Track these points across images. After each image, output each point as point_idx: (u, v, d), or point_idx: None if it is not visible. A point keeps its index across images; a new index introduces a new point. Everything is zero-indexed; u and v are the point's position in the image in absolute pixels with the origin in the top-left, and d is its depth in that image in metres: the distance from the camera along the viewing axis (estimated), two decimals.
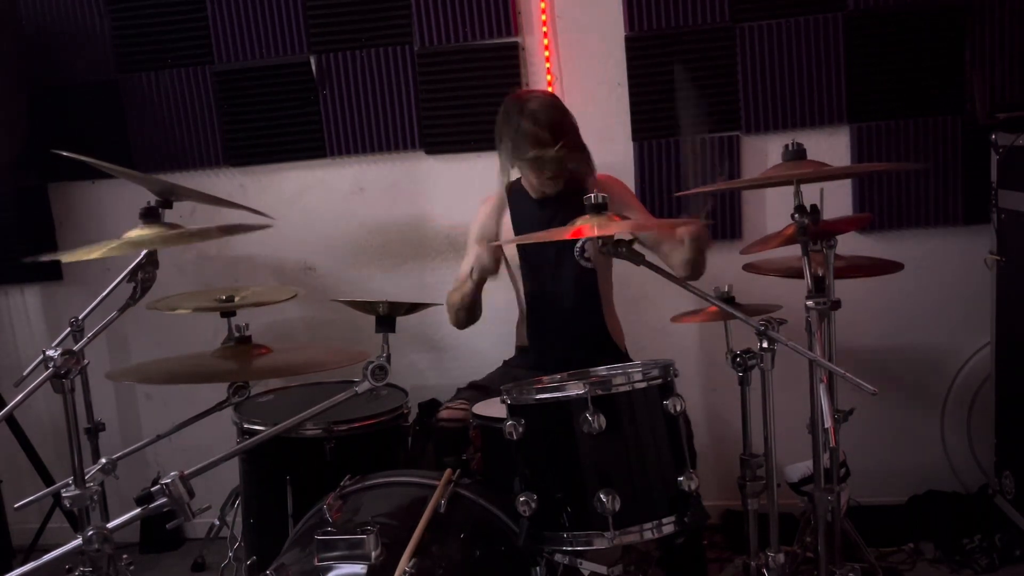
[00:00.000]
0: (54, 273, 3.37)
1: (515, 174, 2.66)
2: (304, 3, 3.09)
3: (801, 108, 2.94)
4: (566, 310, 2.61)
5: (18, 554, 3.19)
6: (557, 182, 2.53)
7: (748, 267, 2.54)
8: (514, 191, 2.71)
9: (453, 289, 2.66)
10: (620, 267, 2.62)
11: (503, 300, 2.88)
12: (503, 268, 2.73)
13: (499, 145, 2.56)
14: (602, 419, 1.68)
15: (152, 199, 1.91)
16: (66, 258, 1.91)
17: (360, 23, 3.09)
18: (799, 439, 2.12)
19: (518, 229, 2.66)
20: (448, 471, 1.94)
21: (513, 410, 1.80)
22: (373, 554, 1.56)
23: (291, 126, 3.18)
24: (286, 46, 3.13)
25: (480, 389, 2.44)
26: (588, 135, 3.04)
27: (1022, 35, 2.82)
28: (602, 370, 2.05)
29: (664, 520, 1.72)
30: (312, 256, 3.26)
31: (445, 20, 3.03)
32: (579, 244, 2.59)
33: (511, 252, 2.72)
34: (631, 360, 2.67)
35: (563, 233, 2.04)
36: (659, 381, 1.78)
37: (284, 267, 3.27)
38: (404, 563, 1.57)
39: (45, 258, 2.07)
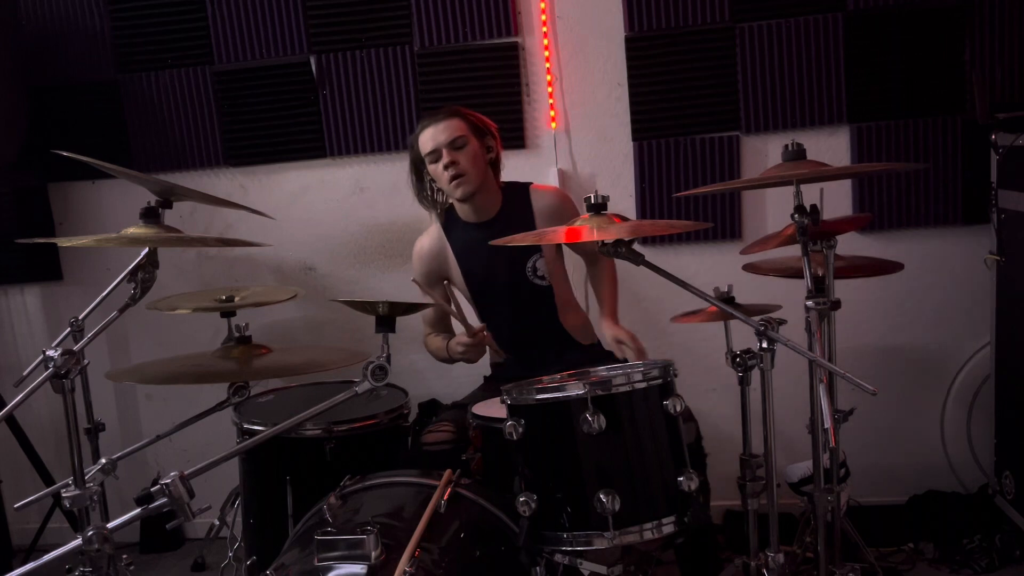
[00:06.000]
0: (54, 273, 3.38)
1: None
2: (304, 3, 3.09)
3: (801, 108, 2.94)
4: (524, 331, 2.56)
5: (18, 554, 3.19)
6: (465, 182, 2.43)
7: (748, 267, 2.54)
8: (448, 222, 2.62)
9: (430, 347, 2.69)
10: (621, 268, 2.63)
11: None
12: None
13: (410, 171, 2.59)
14: (602, 419, 1.68)
15: (152, 199, 1.91)
16: (62, 242, 1.92)
17: (360, 23, 3.09)
18: (799, 439, 2.12)
19: (461, 258, 2.59)
20: (448, 471, 1.94)
21: (513, 410, 1.80)
22: (373, 554, 1.56)
23: (291, 126, 3.18)
24: (286, 46, 3.13)
25: (462, 408, 2.35)
26: (588, 135, 3.07)
27: (1022, 35, 2.82)
28: (602, 370, 2.05)
29: (664, 520, 1.72)
30: (312, 256, 3.25)
31: (445, 20, 3.03)
32: (530, 264, 2.54)
33: (460, 283, 2.64)
34: (603, 349, 2.64)
35: (558, 235, 2.05)
36: (659, 381, 1.78)
37: (284, 267, 3.27)
38: (404, 563, 1.56)
39: (39, 240, 2.13)
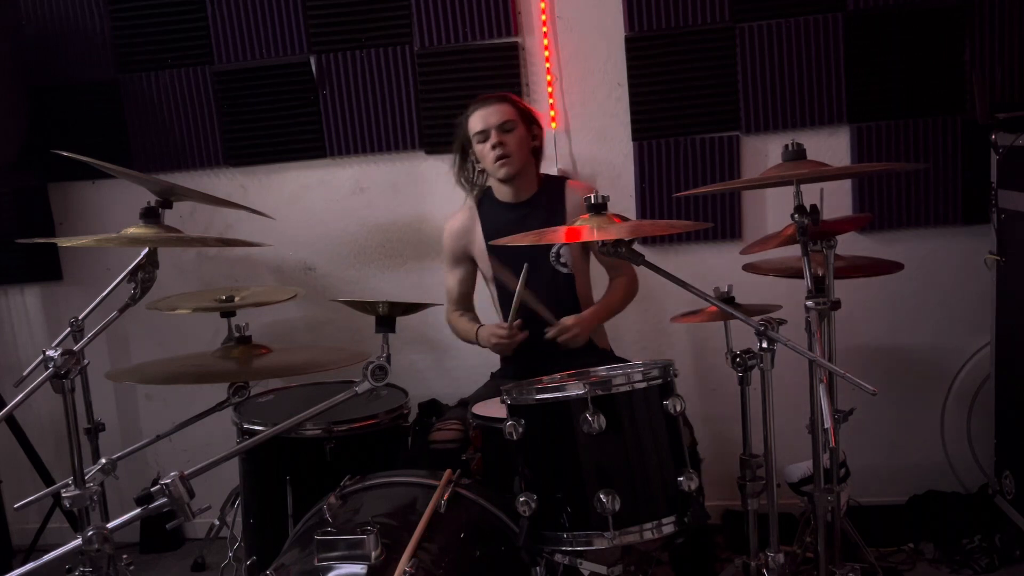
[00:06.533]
0: (54, 273, 3.38)
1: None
2: (304, 3, 3.09)
3: (801, 108, 2.94)
4: (543, 320, 2.47)
5: (18, 554, 3.19)
6: (509, 163, 2.53)
7: (748, 267, 2.54)
8: (483, 201, 2.70)
9: (455, 326, 2.74)
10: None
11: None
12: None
13: (455, 151, 2.68)
14: (602, 419, 1.68)
15: (152, 199, 1.91)
16: (62, 242, 1.92)
17: (360, 23, 3.09)
18: (799, 439, 2.12)
19: (490, 238, 2.59)
20: (448, 471, 1.94)
21: (513, 410, 1.80)
22: (373, 554, 1.56)
23: (291, 126, 3.18)
24: (286, 46, 3.13)
25: (470, 406, 2.33)
26: (588, 135, 3.07)
27: (1022, 35, 2.82)
28: (602, 370, 2.06)
29: (664, 520, 1.72)
30: (312, 256, 3.26)
31: (445, 20, 3.03)
32: (554, 249, 2.58)
33: (483, 262, 2.69)
34: (616, 359, 2.66)
35: (558, 235, 2.04)
36: (659, 381, 1.78)
37: (284, 267, 3.27)
38: (404, 563, 1.57)
39: (39, 240, 2.16)
